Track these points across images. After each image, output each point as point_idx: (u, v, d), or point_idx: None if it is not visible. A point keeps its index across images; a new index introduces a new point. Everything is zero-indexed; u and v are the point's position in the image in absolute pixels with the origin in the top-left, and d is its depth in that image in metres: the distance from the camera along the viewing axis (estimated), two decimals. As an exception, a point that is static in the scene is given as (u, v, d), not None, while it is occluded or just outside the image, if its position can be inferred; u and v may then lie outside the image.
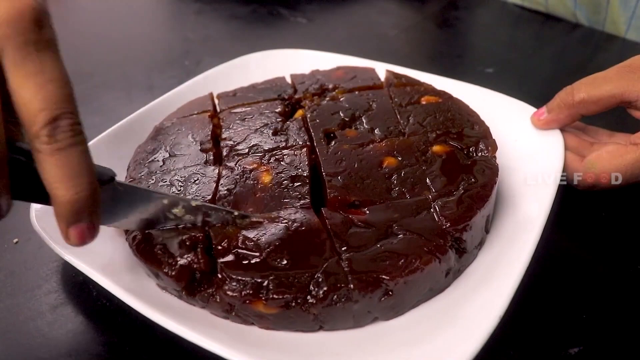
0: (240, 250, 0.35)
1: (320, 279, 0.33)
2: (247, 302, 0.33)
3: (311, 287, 0.33)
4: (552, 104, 0.47)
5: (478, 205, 0.38)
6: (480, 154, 0.43)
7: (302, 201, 0.39)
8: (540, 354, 0.35)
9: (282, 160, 0.43)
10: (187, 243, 0.36)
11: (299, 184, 0.40)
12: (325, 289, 0.33)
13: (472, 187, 0.39)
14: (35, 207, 0.41)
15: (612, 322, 0.37)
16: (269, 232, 0.36)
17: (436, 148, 0.43)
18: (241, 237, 0.36)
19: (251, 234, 0.36)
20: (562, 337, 0.36)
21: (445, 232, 0.36)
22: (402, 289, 0.34)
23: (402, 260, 0.34)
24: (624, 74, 0.44)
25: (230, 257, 0.35)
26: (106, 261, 0.38)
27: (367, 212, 0.38)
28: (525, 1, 0.84)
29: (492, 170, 0.41)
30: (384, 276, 0.33)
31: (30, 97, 0.26)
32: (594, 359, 0.35)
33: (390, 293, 0.33)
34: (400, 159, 0.42)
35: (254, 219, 0.37)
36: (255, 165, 0.42)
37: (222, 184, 0.41)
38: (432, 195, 0.39)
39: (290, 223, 0.37)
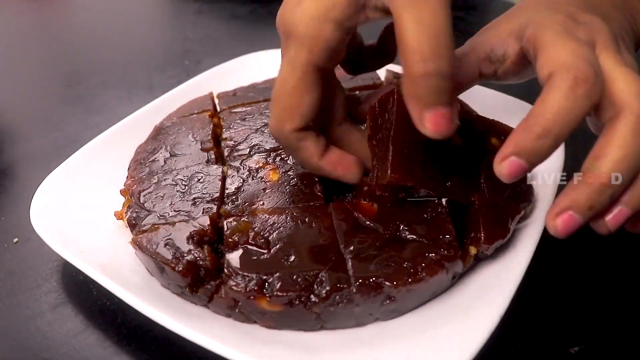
0: (249, 246, 0.35)
1: (324, 279, 0.33)
2: (252, 298, 0.33)
3: (315, 286, 0.33)
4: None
5: (512, 223, 0.37)
6: None
7: (315, 198, 0.39)
8: (541, 353, 0.35)
9: (288, 160, 0.43)
10: (195, 238, 0.36)
11: (309, 181, 0.40)
12: (328, 288, 0.33)
13: (511, 202, 0.38)
14: (35, 207, 0.41)
15: (612, 321, 0.37)
16: (278, 228, 0.36)
17: (494, 140, 0.40)
18: (252, 233, 0.36)
19: (261, 229, 0.36)
20: (563, 336, 0.36)
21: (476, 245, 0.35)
22: (405, 296, 0.33)
23: (407, 269, 0.33)
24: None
25: (238, 252, 0.35)
26: (106, 261, 0.38)
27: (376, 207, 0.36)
28: None
29: (530, 189, 0.39)
30: (387, 283, 0.33)
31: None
32: (594, 358, 0.35)
33: (392, 298, 0.33)
34: (464, 139, 0.38)
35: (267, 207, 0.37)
36: (261, 164, 0.42)
37: (229, 182, 0.41)
38: (478, 201, 0.37)
39: (300, 220, 0.37)
